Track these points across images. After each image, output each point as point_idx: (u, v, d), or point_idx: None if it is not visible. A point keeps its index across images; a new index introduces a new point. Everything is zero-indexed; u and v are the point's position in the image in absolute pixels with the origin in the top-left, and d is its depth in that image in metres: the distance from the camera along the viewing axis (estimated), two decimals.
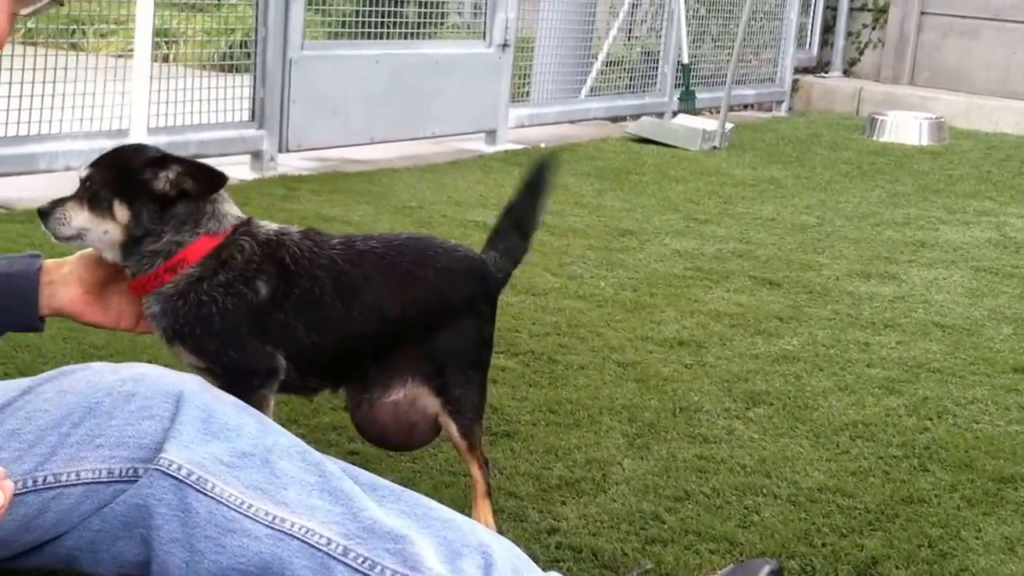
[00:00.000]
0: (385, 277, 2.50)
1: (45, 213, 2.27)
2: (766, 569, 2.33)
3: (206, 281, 2.30)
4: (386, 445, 2.78)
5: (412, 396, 2.55)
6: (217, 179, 2.28)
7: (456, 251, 2.67)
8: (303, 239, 2.44)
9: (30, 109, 5.45)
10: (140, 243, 2.27)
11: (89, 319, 2.29)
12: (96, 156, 2.33)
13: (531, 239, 2.78)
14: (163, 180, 2.26)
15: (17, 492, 1.74)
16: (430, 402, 2.57)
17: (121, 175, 2.28)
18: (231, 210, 2.38)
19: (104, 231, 2.26)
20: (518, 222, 2.76)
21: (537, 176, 2.77)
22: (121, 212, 2.25)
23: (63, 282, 2.25)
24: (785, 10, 11.38)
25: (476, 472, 2.64)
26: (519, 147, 8.10)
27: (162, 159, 2.28)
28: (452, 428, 2.59)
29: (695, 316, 4.47)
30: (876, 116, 9.97)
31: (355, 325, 2.47)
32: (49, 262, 2.27)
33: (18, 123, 5.44)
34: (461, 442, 2.60)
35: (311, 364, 2.47)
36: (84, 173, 2.28)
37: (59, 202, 2.29)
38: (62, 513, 1.83)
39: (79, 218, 2.26)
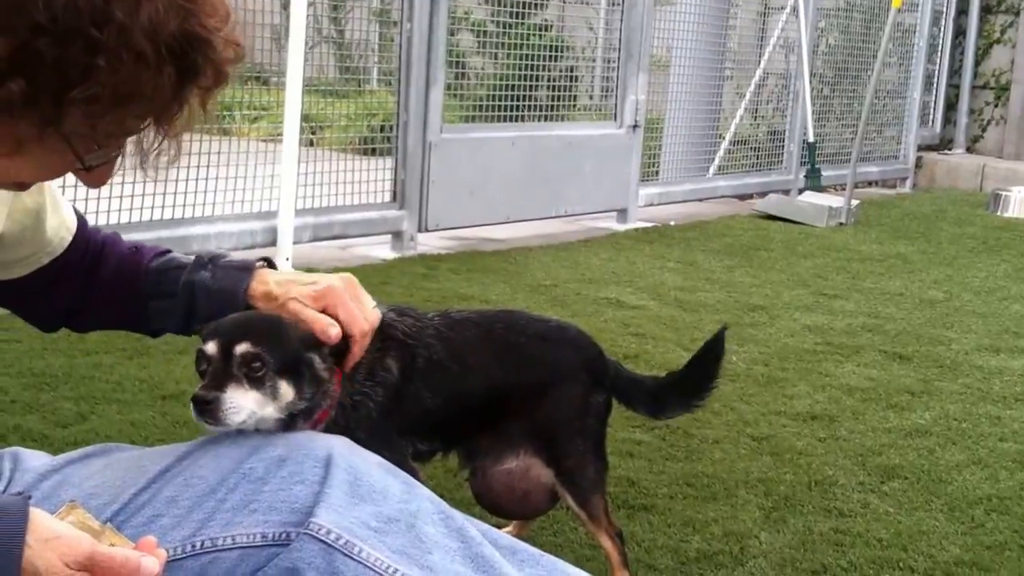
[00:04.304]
0: (483, 342, 2.57)
1: (210, 402, 2.01)
2: None
3: (354, 380, 2.29)
4: (501, 513, 2.82)
5: (525, 466, 2.61)
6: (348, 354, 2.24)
7: (548, 322, 2.76)
8: (400, 315, 2.46)
9: (185, 193, 5.66)
10: (305, 411, 2.15)
11: None
12: (231, 328, 2.09)
13: (669, 401, 2.84)
14: (319, 364, 2.12)
15: (176, 557, 1.82)
16: (543, 472, 2.62)
17: (286, 357, 2.09)
18: None
19: (267, 412, 2.07)
20: (671, 382, 2.85)
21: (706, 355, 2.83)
22: (287, 393, 2.08)
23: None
24: (908, 89, 11.41)
25: (606, 543, 2.69)
26: (649, 225, 8.23)
27: (318, 342, 2.11)
28: (568, 499, 2.64)
29: (827, 390, 4.51)
30: (1000, 192, 9.93)
31: (469, 384, 2.53)
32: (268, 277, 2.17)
33: (173, 206, 5.63)
34: (580, 512, 2.65)
35: (435, 427, 2.53)
36: (243, 349, 2.05)
37: (215, 387, 2.03)
38: None
39: (249, 403, 2.04)
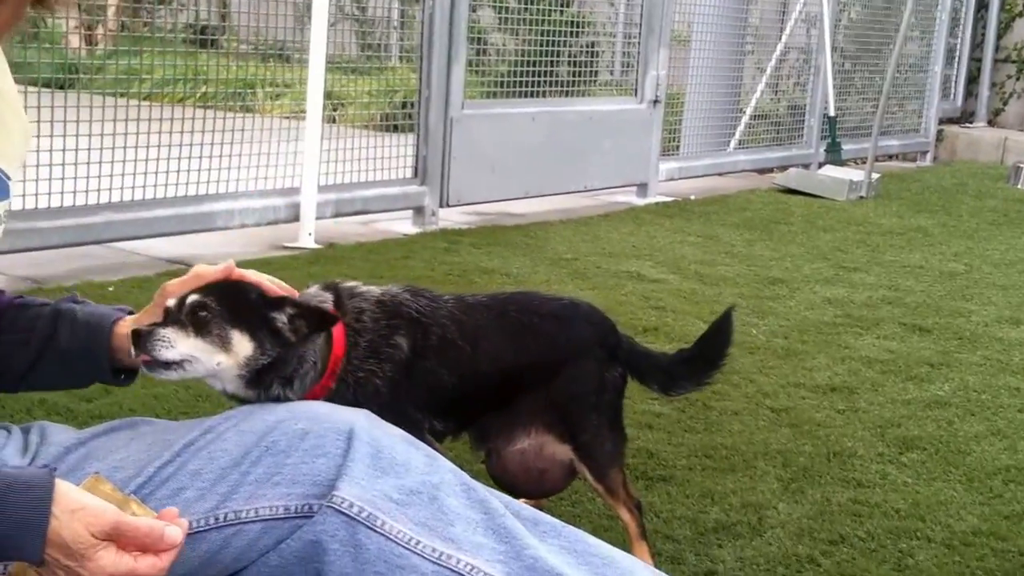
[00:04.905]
0: (497, 326, 2.59)
1: (145, 334, 2.06)
2: None
3: (353, 357, 2.30)
4: (519, 493, 2.78)
5: (538, 444, 2.62)
6: (328, 321, 2.24)
7: (561, 300, 2.76)
8: (414, 295, 2.48)
9: (209, 169, 5.68)
10: (272, 370, 2.16)
11: None
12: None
13: (679, 375, 2.83)
14: (283, 323, 2.13)
15: (200, 529, 1.84)
16: (559, 449, 2.63)
17: (239, 309, 2.12)
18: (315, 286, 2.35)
19: (217, 362, 2.11)
20: (689, 357, 2.85)
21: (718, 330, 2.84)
22: (241, 344, 2.12)
23: None
24: (930, 62, 11.37)
25: (625, 515, 2.70)
26: (669, 199, 8.23)
27: (278, 300, 2.14)
28: (586, 473, 2.65)
29: (846, 362, 4.53)
30: (1021, 165, 9.93)
31: (480, 366, 2.54)
32: (132, 319, 2.17)
33: (197, 183, 5.66)
34: (597, 486, 2.67)
35: (450, 406, 2.53)
36: (192, 299, 2.10)
37: (157, 324, 2.08)
38: (242, 549, 1.87)
39: (185, 345, 2.08)
